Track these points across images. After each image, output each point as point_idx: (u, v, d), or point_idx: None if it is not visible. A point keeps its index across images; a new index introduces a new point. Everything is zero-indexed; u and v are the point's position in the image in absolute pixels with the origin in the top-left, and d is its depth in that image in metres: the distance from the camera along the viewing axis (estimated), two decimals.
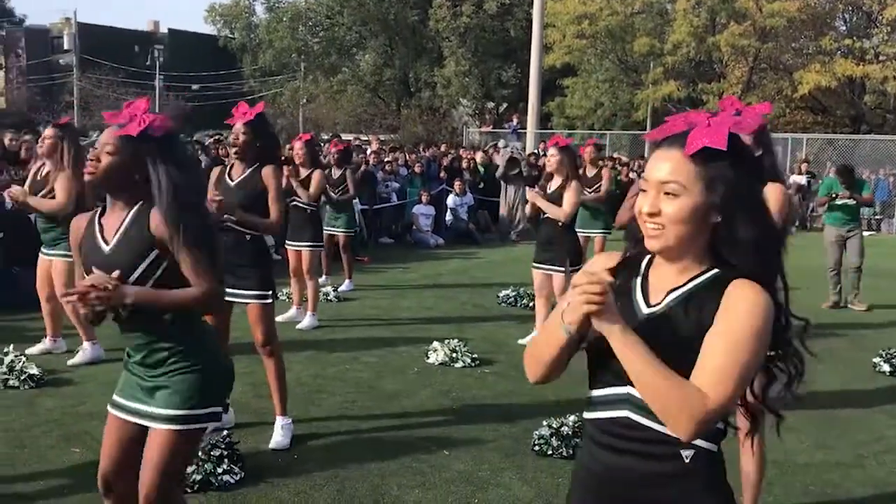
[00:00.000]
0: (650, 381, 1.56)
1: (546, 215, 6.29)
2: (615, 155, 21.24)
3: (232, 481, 3.79)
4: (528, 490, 3.93)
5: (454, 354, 6.08)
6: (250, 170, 4.35)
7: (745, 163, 1.65)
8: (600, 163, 9.60)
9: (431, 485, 3.93)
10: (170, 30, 51.64)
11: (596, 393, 1.74)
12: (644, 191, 1.67)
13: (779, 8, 27.95)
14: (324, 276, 9.10)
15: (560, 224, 6.21)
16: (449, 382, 5.65)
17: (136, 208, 2.53)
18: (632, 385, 1.62)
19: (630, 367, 1.58)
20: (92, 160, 2.50)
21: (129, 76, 39.97)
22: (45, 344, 6.01)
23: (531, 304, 7.81)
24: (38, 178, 5.77)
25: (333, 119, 35.03)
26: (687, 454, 1.65)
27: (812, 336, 1.79)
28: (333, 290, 8.66)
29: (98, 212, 2.62)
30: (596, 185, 8.63)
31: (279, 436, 4.34)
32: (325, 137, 19.54)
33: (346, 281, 9.13)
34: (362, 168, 12.94)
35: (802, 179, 18.40)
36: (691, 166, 1.62)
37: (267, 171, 4.31)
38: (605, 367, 1.70)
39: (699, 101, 30.41)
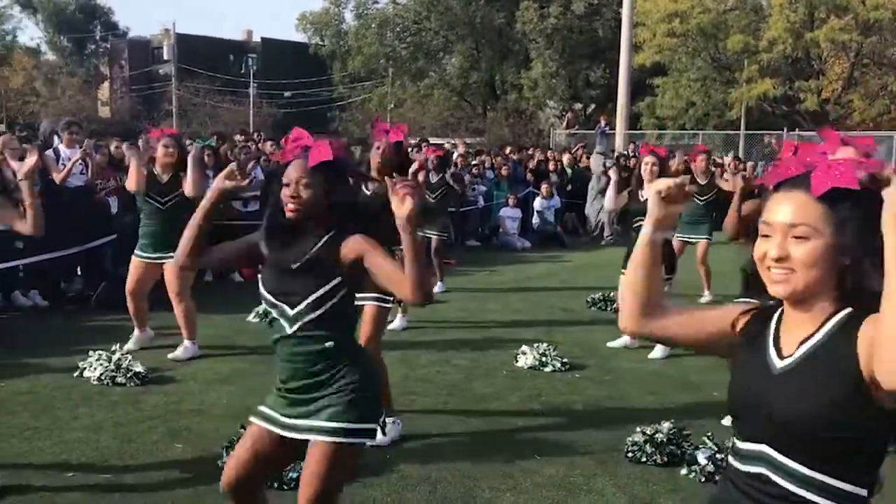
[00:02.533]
0: None
1: (638, 222, 6.22)
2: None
3: None
4: (622, 497, 3.87)
5: (544, 358, 6.05)
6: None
7: (871, 199, 1.56)
8: (712, 169, 9.42)
9: (523, 489, 3.91)
10: (263, 39, 53.14)
11: (738, 443, 1.69)
12: (766, 235, 1.62)
13: None
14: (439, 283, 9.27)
15: None
16: (539, 386, 5.62)
17: (329, 235, 2.59)
18: (767, 444, 1.59)
19: None
20: (294, 197, 2.55)
21: (225, 84, 41.37)
22: (136, 335, 6.30)
23: None
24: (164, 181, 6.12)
25: (420, 123, 35.38)
26: None
27: None
28: None
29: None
30: (709, 195, 8.52)
31: (380, 434, 4.40)
32: (413, 142, 19.73)
33: (439, 283, 9.23)
34: (449, 171, 13.01)
35: None
36: (820, 207, 1.56)
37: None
38: (744, 420, 1.66)
39: (796, 98, 29.40)
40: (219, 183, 2.67)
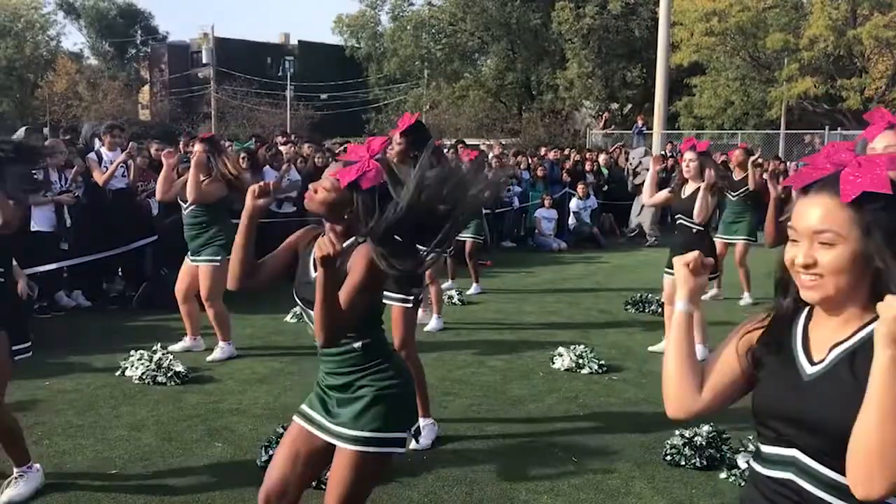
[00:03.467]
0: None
1: (680, 220, 6.16)
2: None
3: None
4: (660, 500, 3.83)
5: (581, 360, 6.01)
6: None
7: None
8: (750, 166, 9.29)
9: (560, 491, 3.90)
10: (300, 41, 53.58)
11: (763, 448, 1.67)
12: (795, 240, 1.58)
13: None
14: (449, 281, 9.23)
15: (695, 231, 6.05)
16: (576, 388, 5.59)
17: (348, 243, 2.56)
18: (799, 449, 1.57)
19: None
20: (313, 190, 2.58)
21: (262, 87, 41.77)
22: (186, 342, 6.36)
23: (659, 311, 7.62)
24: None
25: (455, 125, 35.38)
26: None
27: None
28: (458, 294, 8.74)
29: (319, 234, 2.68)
30: (742, 189, 8.45)
31: (422, 437, 4.42)
32: (448, 143, 19.76)
33: (474, 285, 9.23)
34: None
35: None
36: (846, 212, 1.51)
37: None
38: (773, 426, 1.63)
39: (838, 97, 28.84)
40: (250, 202, 2.63)
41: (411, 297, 4.39)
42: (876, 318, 1.43)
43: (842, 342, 1.56)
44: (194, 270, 6.16)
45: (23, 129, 9.17)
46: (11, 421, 3.71)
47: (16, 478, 3.68)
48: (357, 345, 2.57)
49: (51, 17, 44.73)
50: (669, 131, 23.82)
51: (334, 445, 2.61)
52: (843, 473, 1.50)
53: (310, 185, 2.62)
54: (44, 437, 4.42)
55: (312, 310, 2.47)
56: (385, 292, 4.34)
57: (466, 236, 9.01)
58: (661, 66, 21.20)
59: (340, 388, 2.62)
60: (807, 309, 1.65)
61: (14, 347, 3.60)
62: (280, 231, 6.84)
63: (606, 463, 4.24)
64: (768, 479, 1.64)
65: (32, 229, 7.53)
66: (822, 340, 1.60)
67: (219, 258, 5.95)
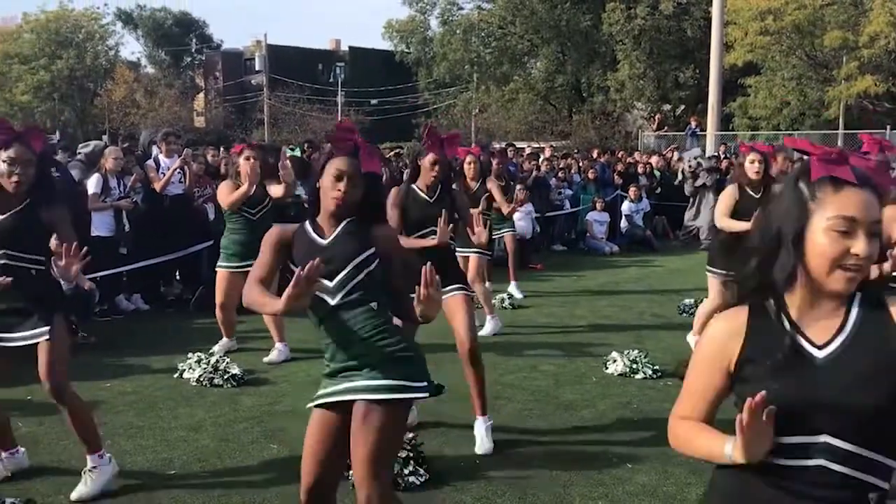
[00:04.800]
0: None
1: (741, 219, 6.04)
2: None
3: (417, 483, 3.90)
4: None
5: (634, 365, 5.94)
6: (441, 190, 4.56)
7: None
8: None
9: (615, 497, 3.86)
10: (350, 47, 54.08)
11: (786, 440, 1.64)
12: (845, 231, 1.60)
13: None
14: (486, 283, 9.27)
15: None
16: (629, 394, 5.53)
17: (354, 218, 2.76)
18: (829, 434, 1.59)
19: None
20: (345, 192, 2.69)
21: (314, 93, 42.29)
22: (223, 342, 6.50)
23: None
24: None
25: (505, 128, 35.34)
26: (872, 496, 1.61)
27: None
28: (508, 298, 8.73)
29: (305, 222, 2.84)
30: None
31: (486, 440, 4.43)
32: (497, 146, 19.75)
33: (512, 283, 9.16)
34: (533, 175, 12.97)
35: None
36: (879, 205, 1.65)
37: (462, 197, 4.58)
38: (795, 416, 1.62)
39: None
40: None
41: (473, 293, 4.56)
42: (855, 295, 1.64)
43: (843, 324, 1.64)
44: (237, 278, 6.28)
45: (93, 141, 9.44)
46: (79, 399, 3.83)
47: (88, 471, 3.78)
48: (373, 304, 2.69)
49: (110, 27, 45.87)
50: (723, 132, 23.43)
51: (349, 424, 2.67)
52: (873, 449, 1.58)
53: (335, 187, 2.71)
54: (106, 438, 4.52)
55: (326, 276, 2.63)
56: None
57: (505, 230, 9.00)
58: (715, 67, 20.89)
59: (360, 349, 2.68)
60: (779, 303, 1.69)
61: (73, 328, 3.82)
62: None
63: (662, 469, 4.18)
64: (794, 470, 1.64)
65: (92, 234, 7.74)
66: (819, 325, 1.66)
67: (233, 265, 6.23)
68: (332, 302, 2.68)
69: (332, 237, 2.74)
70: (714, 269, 6.17)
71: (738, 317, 1.73)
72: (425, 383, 2.75)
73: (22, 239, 3.68)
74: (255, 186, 6.13)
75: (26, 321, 3.69)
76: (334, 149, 2.75)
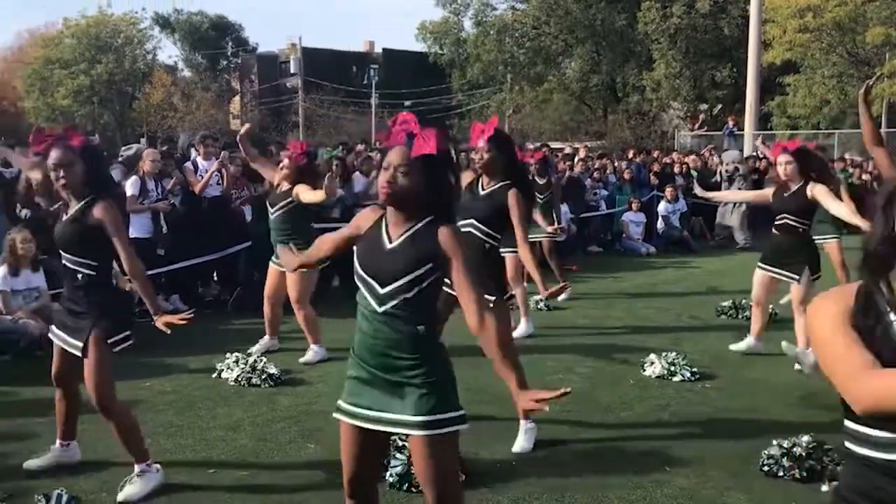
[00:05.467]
0: None
1: (784, 220, 5.98)
2: (846, 156, 19.63)
3: None
4: None
5: (672, 367, 5.88)
6: (498, 185, 4.46)
7: None
8: (850, 170, 8.97)
9: (653, 500, 3.82)
10: (384, 49, 54.27)
11: (880, 434, 1.61)
12: None
13: None
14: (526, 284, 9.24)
15: (801, 230, 5.94)
16: (667, 396, 5.47)
17: (425, 221, 2.64)
18: None
19: None
20: (390, 182, 2.59)
21: (348, 95, 42.51)
22: (265, 340, 6.56)
23: None
24: (278, 191, 6.35)
25: (539, 128, 35.21)
26: None
27: None
28: (544, 299, 8.68)
29: (384, 213, 2.74)
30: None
31: (524, 441, 4.42)
32: (531, 147, 19.68)
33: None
34: (567, 175, 12.90)
35: None
36: None
37: (513, 195, 4.40)
38: None
39: None
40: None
41: (502, 295, 4.41)
42: None
43: None
44: (279, 274, 6.33)
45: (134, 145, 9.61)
46: (127, 414, 3.88)
47: (137, 475, 3.82)
48: (420, 328, 2.61)
49: (147, 31, 46.58)
50: (762, 132, 23.12)
51: (386, 434, 2.68)
52: None
53: (381, 179, 2.62)
54: (147, 436, 4.56)
55: (378, 281, 2.60)
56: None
57: (539, 236, 8.93)
58: (753, 65, 20.64)
59: (392, 371, 2.61)
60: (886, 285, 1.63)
61: (114, 338, 3.78)
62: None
63: (701, 472, 4.14)
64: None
65: (130, 236, 7.85)
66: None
67: None
68: (379, 309, 2.60)
69: (395, 243, 2.64)
70: (764, 266, 6.17)
71: (844, 296, 1.69)
72: (461, 412, 2.68)
73: (72, 244, 3.76)
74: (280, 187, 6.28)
75: (73, 327, 3.76)
76: (389, 142, 2.69)
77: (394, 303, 2.59)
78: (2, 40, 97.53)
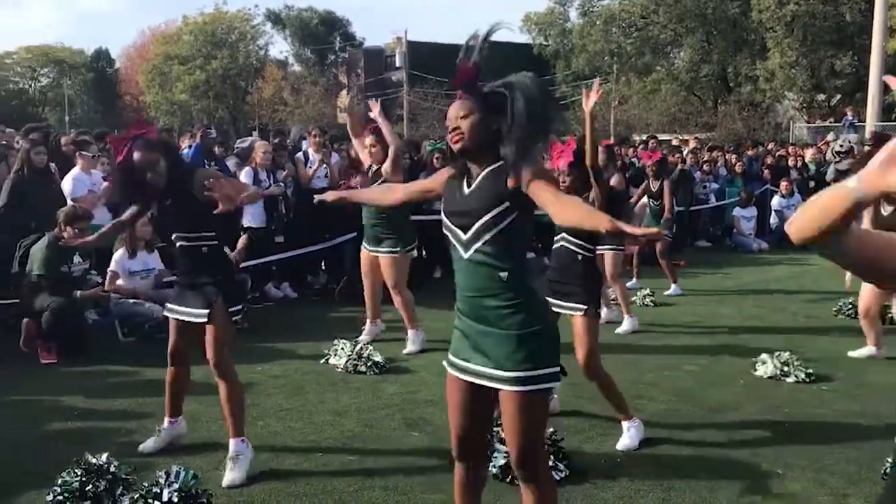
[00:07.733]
0: None
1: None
2: None
3: (557, 478, 3.85)
4: None
5: (786, 368, 5.66)
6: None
7: None
8: None
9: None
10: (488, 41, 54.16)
11: None
12: None
13: None
14: (634, 280, 9.09)
15: None
16: (780, 398, 5.27)
17: (499, 164, 2.63)
18: None
19: None
20: (454, 130, 2.63)
21: (451, 88, 42.67)
22: (367, 327, 6.72)
23: None
24: (369, 174, 6.63)
25: (646, 120, 34.44)
26: None
27: None
28: (650, 295, 8.51)
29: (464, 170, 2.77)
30: None
31: (626, 438, 4.37)
32: (638, 139, 19.28)
33: (673, 285, 8.96)
34: (678, 168, 12.57)
35: None
36: None
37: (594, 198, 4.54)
38: None
39: None
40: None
41: (595, 306, 4.37)
42: None
43: None
44: (371, 258, 6.48)
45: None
46: (238, 386, 4.04)
47: (231, 458, 3.96)
48: (503, 274, 2.61)
49: (260, 27, 48.12)
50: (885, 123, 21.91)
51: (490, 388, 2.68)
52: None
53: (449, 138, 2.66)
54: (258, 419, 4.77)
55: (461, 226, 2.65)
56: (560, 302, 4.35)
57: (606, 247, 8.72)
58: (877, 53, 19.59)
59: (487, 321, 2.63)
60: None
61: (233, 308, 4.02)
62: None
63: (816, 478, 3.97)
64: None
65: (245, 225, 8.15)
66: None
67: (398, 249, 6.32)
68: (465, 255, 2.66)
69: (471, 188, 2.68)
70: None
71: None
72: (555, 368, 2.65)
73: (184, 220, 3.96)
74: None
75: (194, 298, 3.96)
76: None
77: (476, 245, 2.62)
78: (129, 39, 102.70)
